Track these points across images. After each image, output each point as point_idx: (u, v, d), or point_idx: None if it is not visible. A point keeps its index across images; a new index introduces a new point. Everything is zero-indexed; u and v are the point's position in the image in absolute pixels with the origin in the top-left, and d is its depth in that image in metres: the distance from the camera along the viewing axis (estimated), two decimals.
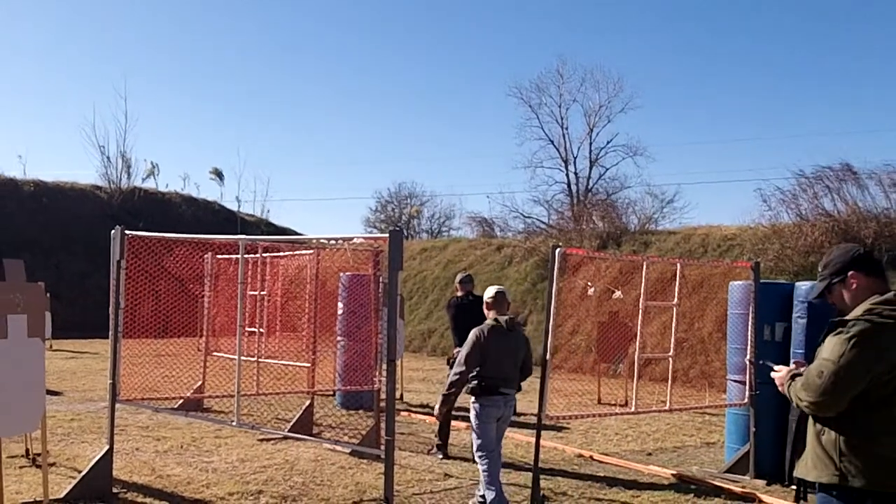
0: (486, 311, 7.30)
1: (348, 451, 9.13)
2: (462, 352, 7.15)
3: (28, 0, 65.57)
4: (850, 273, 3.70)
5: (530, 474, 7.62)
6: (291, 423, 10.12)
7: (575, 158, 41.71)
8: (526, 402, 14.21)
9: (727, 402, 9.26)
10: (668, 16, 65.21)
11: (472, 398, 7.09)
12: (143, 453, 9.12)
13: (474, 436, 7.15)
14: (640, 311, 8.24)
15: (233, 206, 40.39)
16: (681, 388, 14.20)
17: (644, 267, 8.35)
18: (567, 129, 42.03)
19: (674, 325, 9.05)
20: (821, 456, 3.54)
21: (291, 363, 10.96)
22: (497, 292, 7.30)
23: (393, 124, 78.51)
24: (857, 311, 3.58)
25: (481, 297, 7.57)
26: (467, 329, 7.30)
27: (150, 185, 38.52)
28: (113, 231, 7.62)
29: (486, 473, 6.97)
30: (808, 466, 3.61)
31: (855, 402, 3.44)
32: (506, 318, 7.15)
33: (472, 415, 7.14)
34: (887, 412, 3.46)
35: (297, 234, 36.96)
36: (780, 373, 3.79)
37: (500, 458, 7.37)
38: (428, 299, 26.95)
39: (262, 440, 9.92)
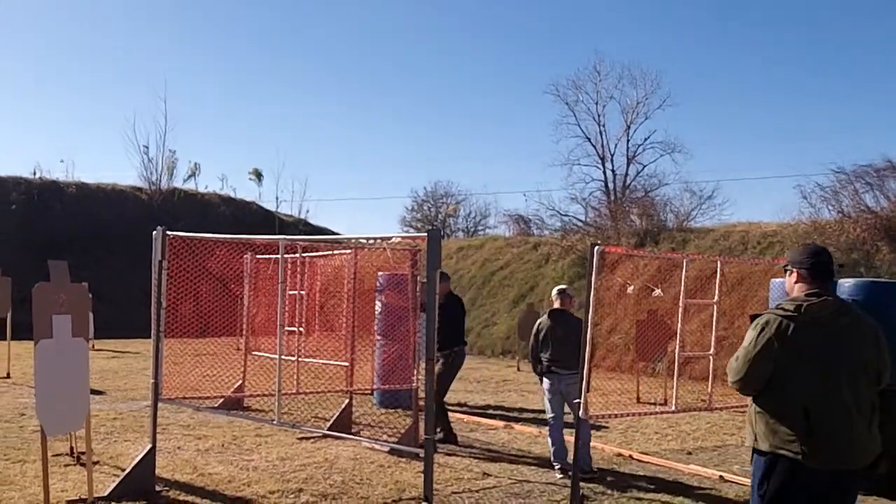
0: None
1: (387, 449, 9.16)
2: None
3: (67, 4, 66.57)
4: (794, 268, 4.33)
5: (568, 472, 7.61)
6: (331, 422, 10.18)
7: (612, 155, 41.43)
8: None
9: None
10: (707, 11, 64.61)
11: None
12: (184, 452, 9.22)
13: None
14: (680, 309, 8.18)
15: (271, 206, 40.71)
16: (720, 387, 14.02)
17: (684, 265, 8.28)
18: (604, 126, 41.76)
19: (714, 322, 8.97)
20: (748, 426, 4.31)
21: (330, 362, 11.02)
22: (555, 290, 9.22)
23: (429, 123, 78.53)
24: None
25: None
26: None
27: (189, 185, 38.94)
28: (154, 231, 7.70)
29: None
30: (746, 435, 4.38)
31: (768, 381, 4.11)
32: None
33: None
34: (785, 391, 4.08)
35: (334, 233, 37.14)
36: None
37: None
38: (465, 298, 26.92)
39: (301, 439, 9.99)
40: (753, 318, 4.25)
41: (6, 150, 65.45)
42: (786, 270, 4.42)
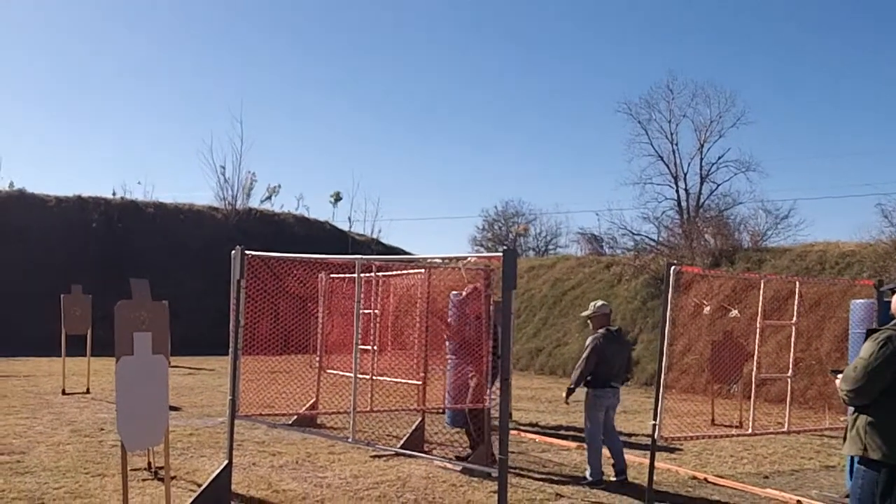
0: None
1: (459, 468, 9.16)
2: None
3: (144, 28, 68.46)
4: None
5: (643, 496, 7.51)
6: (403, 440, 10.21)
7: (685, 174, 40.91)
8: (637, 422, 14.05)
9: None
10: (781, 28, 63.63)
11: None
12: (259, 468, 9.35)
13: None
14: (758, 330, 8.04)
15: (344, 226, 41.12)
16: (798, 410, 13.75)
17: (762, 285, 8.14)
18: (677, 144, 41.27)
19: (792, 344, 8.79)
20: (854, 435, 4.51)
21: (403, 380, 11.07)
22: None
23: (500, 142, 78.65)
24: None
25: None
26: None
27: (265, 206, 39.58)
28: (233, 251, 7.84)
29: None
30: (847, 445, 4.58)
31: (882, 392, 4.38)
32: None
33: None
34: None
35: (406, 252, 37.34)
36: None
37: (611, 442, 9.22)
38: (536, 317, 26.83)
39: (374, 456, 10.04)
40: (870, 332, 4.59)
41: (87, 172, 67.55)
42: (893, 292, 4.88)
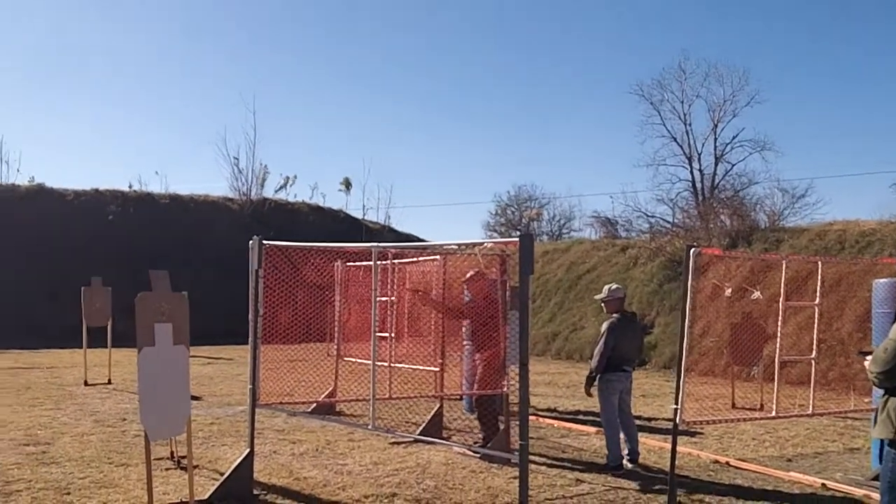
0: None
1: (478, 455, 9.15)
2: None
3: (159, 21, 68.56)
4: None
5: (665, 480, 7.48)
6: (422, 427, 10.22)
7: (699, 155, 40.71)
8: (656, 406, 14.02)
9: (873, 406, 8.86)
10: (794, 5, 63.04)
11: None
12: (280, 456, 9.38)
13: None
14: (780, 311, 7.97)
15: (357, 214, 41.16)
16: (820, 392, 13.69)
17: (783, 266, 8.07)
18: (690, 125, 41.06)
19: (816, 325, 8.72)
20: (885, 419, 4.43)
21: (421, 367, 11.08)
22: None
23: (511, 126, 78.45)
24: None
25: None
26: None
27: (279, 195, 39.64)
28: (251, 241, 7.83)
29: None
30: (878, 428, 4.51)
31: None
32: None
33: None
34: None
35: (420, 239, 37.33)
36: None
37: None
38: (551, 302, 26.78)
39: (393, 443, 10.06)
40: None
41: (103, 164, 67.85)
42: None
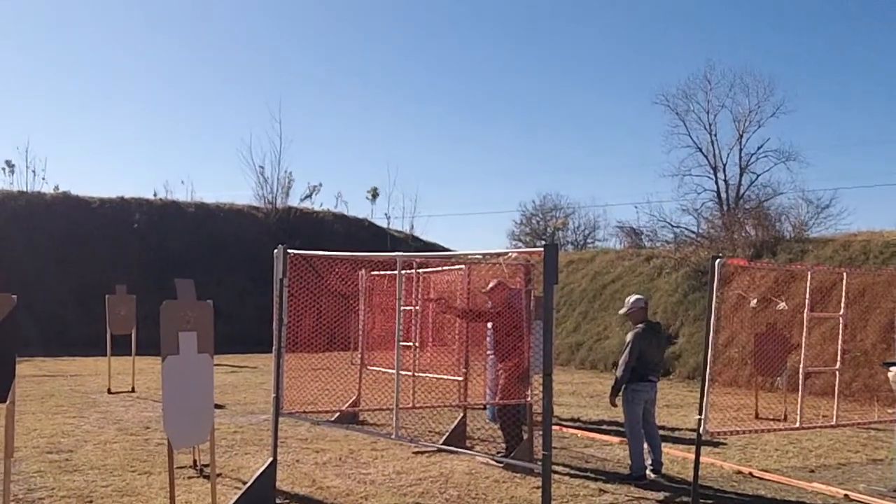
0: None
1: (501, 464, 9.15)
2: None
3: (185, 29, 69.13)
4: None
5: (688, 491, 7.45)
6: (445, 437, 10.23)
7: (724, 165, 40.47)
8: (680, 416, 13.95)
9: None
10: (820, 14, 62.68)
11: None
12: (303, 465, 9.41)
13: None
14: (805, 322, 7.93)
15: (382, 223, 41.23)
16: (843, 402, 13.59)
17: (808, 277, 8.03)
18: (716, 135, 40.85)
19: (840, 336, 8.67)
20: None
21: (445, 377, 11.09)
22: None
23: (536, 136, 78.49)
24: None
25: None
26: None
27: (304, 204, 39.77)
28: (276, 250, 7.88)
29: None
30: None
31: None
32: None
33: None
34: None
35: (444, 248, 37.37)
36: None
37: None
38: (576, 312, 26.69)
39: (416, 453, 10.07)
40: None
41: (129, 172, 68.41)
42: None
